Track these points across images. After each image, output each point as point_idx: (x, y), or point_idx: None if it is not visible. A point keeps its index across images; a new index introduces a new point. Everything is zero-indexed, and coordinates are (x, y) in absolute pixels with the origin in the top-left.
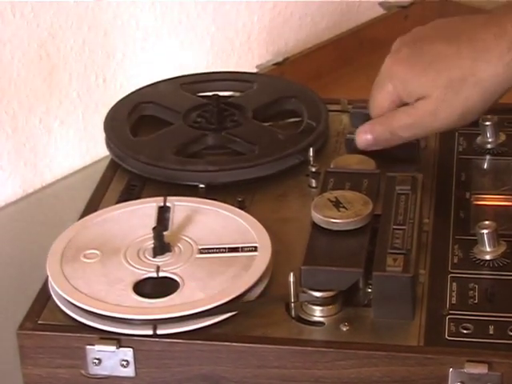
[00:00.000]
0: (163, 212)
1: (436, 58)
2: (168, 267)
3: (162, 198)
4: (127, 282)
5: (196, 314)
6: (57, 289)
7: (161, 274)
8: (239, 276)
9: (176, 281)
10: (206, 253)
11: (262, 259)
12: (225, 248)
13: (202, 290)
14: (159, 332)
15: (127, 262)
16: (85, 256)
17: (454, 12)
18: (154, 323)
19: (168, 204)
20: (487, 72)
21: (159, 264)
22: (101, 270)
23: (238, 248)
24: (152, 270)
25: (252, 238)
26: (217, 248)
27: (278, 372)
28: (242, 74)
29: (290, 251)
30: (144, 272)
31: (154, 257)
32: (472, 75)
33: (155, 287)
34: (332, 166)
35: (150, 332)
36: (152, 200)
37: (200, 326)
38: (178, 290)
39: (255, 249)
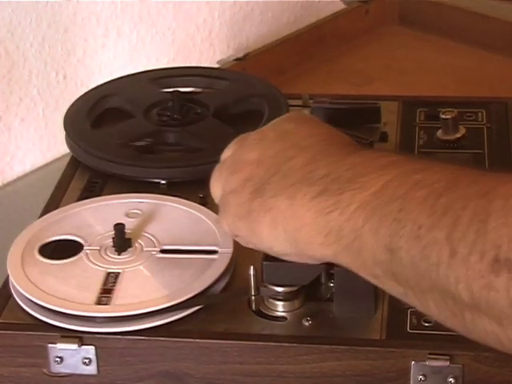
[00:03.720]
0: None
1: None
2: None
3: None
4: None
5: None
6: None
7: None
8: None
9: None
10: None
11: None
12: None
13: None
14: (121, 329)
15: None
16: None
17: (414, 7)
18: (117, 320)
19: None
20: None
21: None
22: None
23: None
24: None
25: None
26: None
27: (241, 367)
28: (207, 70)
29: None
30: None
31: (119, 254)
32: None
33: None
34: None
35: (112, 329)
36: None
37: (162, 323)
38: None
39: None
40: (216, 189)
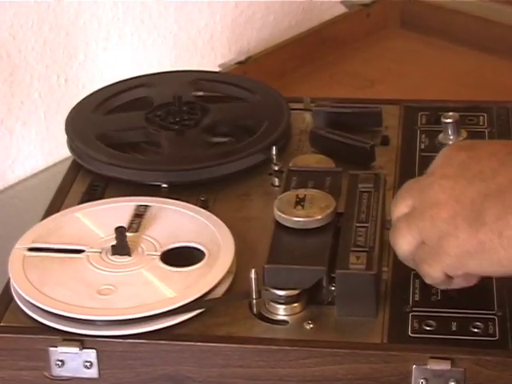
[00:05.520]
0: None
1: None
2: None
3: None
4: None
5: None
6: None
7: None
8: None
9: None
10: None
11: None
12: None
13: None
14: (122, 333)
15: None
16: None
17: (416, 11)
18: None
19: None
20: None
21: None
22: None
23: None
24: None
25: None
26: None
27: (243, 371)
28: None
29: (254, 250)
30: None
31: (120, 257)
32: None
33: None
34: (291, 165)
35: (114, 333)
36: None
37: (164, 326)
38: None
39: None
40: (405, 244)
